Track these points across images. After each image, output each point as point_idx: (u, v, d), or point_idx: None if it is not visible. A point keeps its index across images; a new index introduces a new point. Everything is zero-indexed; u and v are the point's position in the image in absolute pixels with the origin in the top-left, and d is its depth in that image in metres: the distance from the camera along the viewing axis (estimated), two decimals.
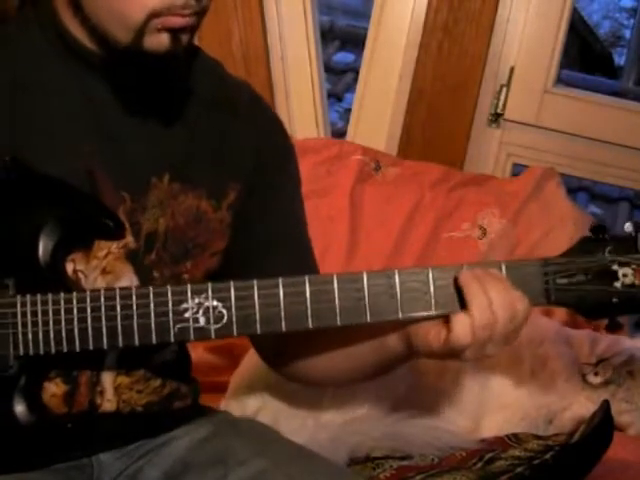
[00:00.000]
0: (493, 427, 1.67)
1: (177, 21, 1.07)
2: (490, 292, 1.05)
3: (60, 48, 1.14)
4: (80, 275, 1.13)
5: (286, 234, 1.29)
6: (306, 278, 1.07)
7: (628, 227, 1.09)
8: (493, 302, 1.05)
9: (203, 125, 1.22)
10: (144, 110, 1.17)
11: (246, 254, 1.26)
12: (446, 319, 1.08)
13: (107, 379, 1.18)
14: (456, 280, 1.07)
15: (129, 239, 1.16)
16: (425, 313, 1.08)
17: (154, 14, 1.06)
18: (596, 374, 1.70)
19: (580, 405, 1.68)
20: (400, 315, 1.08)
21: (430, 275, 1.08)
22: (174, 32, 1.08)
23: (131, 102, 1.16)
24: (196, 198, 1.21)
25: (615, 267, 1.07)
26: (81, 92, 1.15)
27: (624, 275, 1.07)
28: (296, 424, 1.55)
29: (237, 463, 1.17)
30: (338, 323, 1.08)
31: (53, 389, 1.14)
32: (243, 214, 1.26)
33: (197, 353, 1.68)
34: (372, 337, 1.19)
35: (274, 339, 1.27)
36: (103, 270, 1.15)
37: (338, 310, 1.07)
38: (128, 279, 1.16)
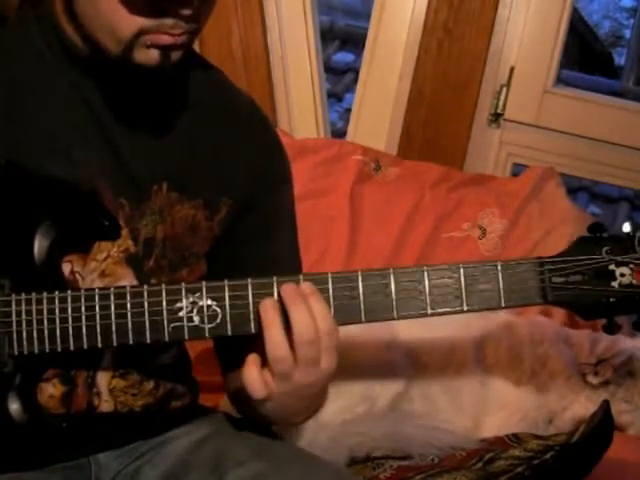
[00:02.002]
0: (493, 427, 1.67)
1: (166, 39, 1.07)
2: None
3: (58, 51, 1.14)
4: (77, 276, 1.13)
5: (276, 256, 1.28)
6: (300, 277, 1.07)
7: (626, 227, 1.08)
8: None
9: (201, 136, 1.22)
10: (140, 117, 1.17)
11: (236, 270, 1.25)
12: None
13: (102, 381, 1.18)
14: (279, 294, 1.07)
15: (129, 243, 1.16)
16: (420, 313, 1.08)
17: (143, 31, 1.06)
18: (596, 374, 1.70)
19: (580, 405, 1.68)
20: (395, 314, 1.08)
21: (425, 275, 1.08)
22: (164, 49, 1.08)
23: (127, 109, 1.16)
24: (192, 208, 1.20)
25: (613, 267, 1.07)
26: (79, 96, 1.14)
27: (622, 275, 1.07)
28: None
29: (236, 464, 1.17)
30: None
31: (51, 390, 1.14)
32: (234, 231, 1.25)
33: (196, 353, 1.68)
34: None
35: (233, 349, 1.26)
36: (102, 273, 1.15)
37: (333, 309, 1.07)
38: (128, 283, 1.16)
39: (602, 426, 1.37)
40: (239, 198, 1.24)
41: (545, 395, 1.71)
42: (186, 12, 1.05)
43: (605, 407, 1.39)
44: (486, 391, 1.70)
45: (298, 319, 1.05)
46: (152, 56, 1.08)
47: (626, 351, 1.71)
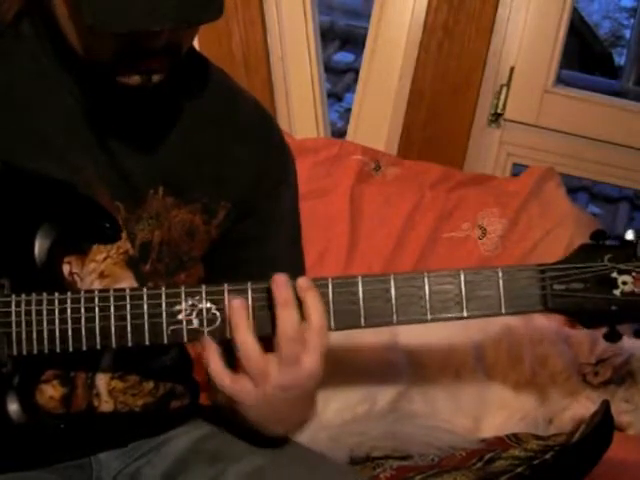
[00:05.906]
0: (493, 427, 1.67)
1: (144, 65, 1.06)
2: None
3: (55, 56, 1.14)
4: (76, 277, 1.13)
5: (275, 256, 1.27)
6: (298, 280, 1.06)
7: (629, 234, 1.07)
8: None
9: (199, 139, 1.21)
10: (136, 121, 1.17)
11: (234, 272, 1.24)
12: None
13: (101, 382, 1.18)
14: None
15: (128, 246, 1.16)
16: (420, 318, 1.08)
17: (122, 57, 1.05)
18: (596, 374, 1.70)
19: (580, 405, 1.68)
20: (395, 320, 1.07)
21: (426, 280, 1.07)
22: (144, 73, 1.07)
23: (122, 112, 1.16)
24: (190, 212, 1.20)
25: (615, 274, 1.06)
26: (74, 100, 1.14)
27: (624, 283, 1.05)
28: None
29: (235, 460, 1.17)
30: (332, 327, 1.06)
31: (51, 391, 1.14)
32: (232, 234, 1.24)
33: (196, 353, 1.67)
34: None
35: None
36: (101, 274, 1.15)
37: (332, 314, 1.06)
38: (127, 284, 1.16)
39: (602, 426, 1.38)
40: (238, 201, 1.23)
41: (545, 395, 1.71)
42: (156, 46, 1.04)
43: (605, 407, 1.39)
44: (486, 391, 1.71)
45: (283, 316, 1.03)
46: (133, 79, 1.07)
47: (626, 351, 1.71)
